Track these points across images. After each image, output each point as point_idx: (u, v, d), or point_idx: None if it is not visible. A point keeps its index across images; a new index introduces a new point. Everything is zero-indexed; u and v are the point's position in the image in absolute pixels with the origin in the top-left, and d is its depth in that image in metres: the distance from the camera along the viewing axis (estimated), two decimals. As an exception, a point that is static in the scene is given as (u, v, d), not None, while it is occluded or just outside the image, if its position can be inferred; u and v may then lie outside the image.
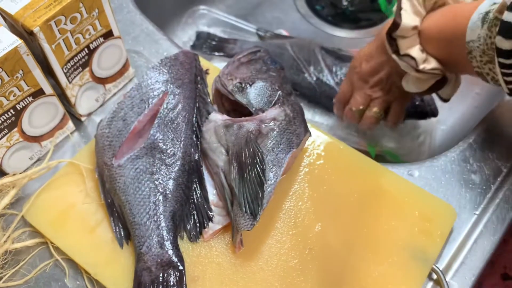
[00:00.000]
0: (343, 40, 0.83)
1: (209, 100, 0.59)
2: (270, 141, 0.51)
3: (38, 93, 0.54)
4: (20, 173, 0.55)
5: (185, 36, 0.87)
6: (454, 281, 0.52)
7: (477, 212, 0.56)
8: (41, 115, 0.56)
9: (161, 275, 0.48)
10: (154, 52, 0.68)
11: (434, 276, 0.51)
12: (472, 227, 0.55)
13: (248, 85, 0.54)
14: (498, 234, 0.55)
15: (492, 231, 0.55)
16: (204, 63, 0.63)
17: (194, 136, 0.55)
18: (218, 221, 0.52)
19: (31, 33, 0.51)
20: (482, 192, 0.57)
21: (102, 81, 0.62)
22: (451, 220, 0.53)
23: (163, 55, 0.61)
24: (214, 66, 0.64)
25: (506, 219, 0.56)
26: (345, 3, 0.88)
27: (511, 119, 0.63)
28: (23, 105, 0.53)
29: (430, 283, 0.52)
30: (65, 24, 0.53)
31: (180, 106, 0.55)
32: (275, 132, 0.52)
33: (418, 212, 0.53)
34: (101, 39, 0.58)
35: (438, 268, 0.51)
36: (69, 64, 0.56)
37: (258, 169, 0.49)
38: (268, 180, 0.49)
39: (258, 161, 0.49)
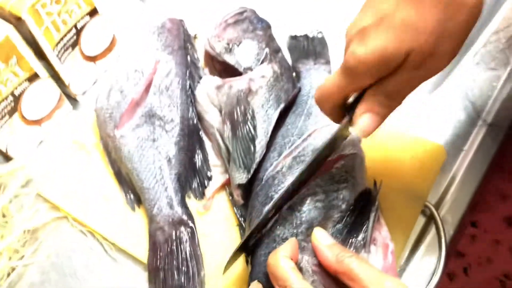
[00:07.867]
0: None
1: (199, 64, 0.61)
2: (259, 98, 0.53)
3: (33, 77, 0.56)
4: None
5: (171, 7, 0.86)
6: (447, 214, 0.55)
7: (465, 148, 0.59)
8: (39, 99, 0.58)
9: (173, 233, 0.51)
10: (140, 25, 0.69)
11: (428, 213, 0.54)
12: (460, 163, 0.58)
13: (235, 46, 0.56)
14: (485, 167, 0.57)
15: (479, 165, 0.57)
16: (191, 28, 0.64)
17: (189, 100, 0.57)
18: (217, 179, 0.55)
19: (19, 19, 0.52)
20: (468, 128, 0.60)
21: (92, 59, 0.63)
22: (441, 159, 0.56)
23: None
24: (202, 31, 0.65)
25: (491, 152, 0.58)
26: None
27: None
28: (21, 90, 0.55)
29: (424, 219, 0.54)
30: (50, 5, 0.54)
31: (173, 72, 0.57)
32: (264, 89, 0.54)
33: (408, 153, 0.55)
34: (87, 18, 0.59)
35: (430, 203, 0.54)
36: (59, 45, 0.58)
37: (250, 125, 0.51)
38: (260, 135, 0.52)
39: (249, 118, 0.52)
